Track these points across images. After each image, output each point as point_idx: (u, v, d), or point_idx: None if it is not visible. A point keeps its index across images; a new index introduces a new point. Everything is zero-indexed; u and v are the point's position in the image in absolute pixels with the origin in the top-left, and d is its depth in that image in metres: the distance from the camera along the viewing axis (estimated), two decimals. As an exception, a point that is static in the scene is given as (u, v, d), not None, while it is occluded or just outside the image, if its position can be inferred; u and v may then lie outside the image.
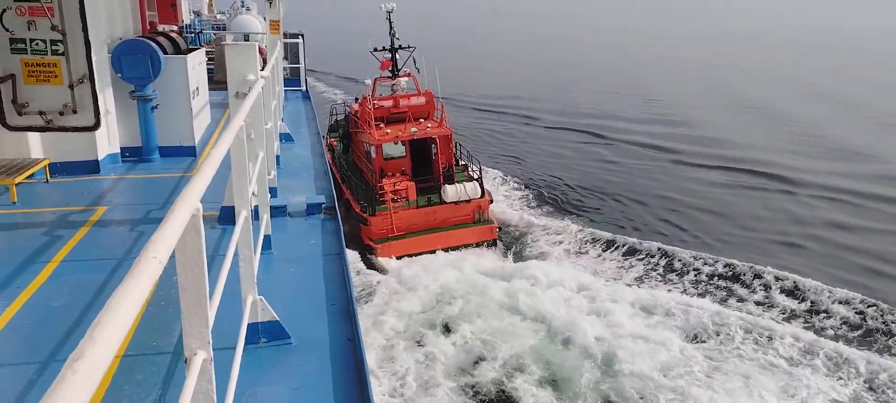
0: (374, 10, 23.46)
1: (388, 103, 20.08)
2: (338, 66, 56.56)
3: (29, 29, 8.22)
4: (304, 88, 19.63)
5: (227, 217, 7.12)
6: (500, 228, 18.90)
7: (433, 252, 17.46)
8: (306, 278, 6.02)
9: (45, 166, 8.95)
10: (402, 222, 17.57)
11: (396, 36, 21.23)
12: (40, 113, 8.48)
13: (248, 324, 4.62)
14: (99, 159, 9.54)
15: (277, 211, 7.60)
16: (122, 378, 4.23)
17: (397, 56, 21.32)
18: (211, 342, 2.51)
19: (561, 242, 18.63)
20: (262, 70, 7.82)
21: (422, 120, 19.76)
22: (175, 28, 13.18)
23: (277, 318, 4.66)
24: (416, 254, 17.32)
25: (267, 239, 6.46)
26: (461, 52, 74.76)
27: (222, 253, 5.22)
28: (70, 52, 8.34)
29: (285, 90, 17.97)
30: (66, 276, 5.90)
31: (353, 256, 17.23)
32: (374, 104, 19.74)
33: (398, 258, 17.18)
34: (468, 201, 17.96)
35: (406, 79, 21.20)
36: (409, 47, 21.46)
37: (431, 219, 17.87)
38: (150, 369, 4.36)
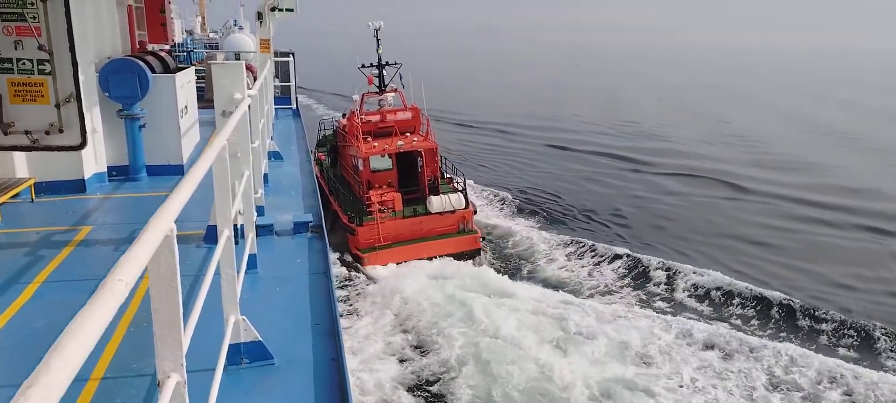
0: (361, 28, 24.04)
1: (376, 118, 20.65)
2: (327, 84, 57.25)
3: (16, 48, 8.18)
4: (294, 106, 19.68)
5: (212, 236, 7.07)
6: (483, 238, 19.36)
7: (419, 259, 17.89)
8: (291, 297, 5.98)
9: (30, 186, 8.90)
10: (389, 232, 18.01)
11: (381, 52, 21.80)
12: (26, 132, 8.41)
13: (231, 345, 4.58)
14: (85, 178, 9.49)
15: (264, 230, 7.56)
16: (99, 401, 4.17)
17: (384, 72, 21.88)
18: (184, 364, 2.48)
19: (547, 255, 19.08)
20: (251, 88, 7.84)
21: (408, 134, 20.32)
22: (165, 47, 13.18)
23: (260, 339, 4.61)
24: (401, 263, 17.71)
25: (252, 257, 6.42)
26: (451, 69, 75.69)
27: (205, 273, 5.20)
28: (57, 71, 8.31)
29: (276, 108, 18.02)
30: (49, 296, 5.84)
31: (341, 271, 17.46)
32: (361, 118, 20.26)
33: (385, 266, 17.58)
34: (453, 212, 18.47)
35: (393, 94, 21.74)
36: (395, 64, 22.06)
37: (417, 230, 18.33)
38: (128, 392, 4.30)
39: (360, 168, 19.42)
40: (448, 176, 20.74)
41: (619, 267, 18.13)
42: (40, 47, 8.12)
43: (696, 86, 66.08)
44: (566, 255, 19.03)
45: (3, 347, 4.93)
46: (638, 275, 17.63)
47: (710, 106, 51.40)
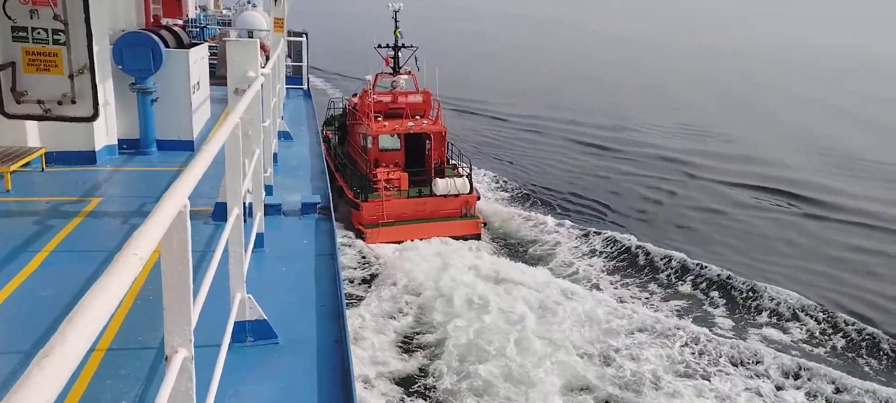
0: (379, 9, 24.21)
1: (387, 99, 21.01)
2: (339, 65, 57.42)
3: (31, 17, 8.20)
4: (305, 86, 19.67)
5: (220, 213, 7.10)
6: (485, 224, 19.67)
7: (420, 240, 18.16)
8: (297, 278, 6.01)
9: (41, 155, 8.94)
10: (393, 210, 18.35)
11: (400, 34, 22.03)
12: (39, 102, 8.45)
13: (236, 323, 4.61)
14: (96, 150, 9.52)
15: (272, 210, 7.58)
16: (104, 371, 4.21)
17: (399, 54, 22.09)
18: (193, 340, 2.50)
19: (549, 243, 19.27)
20: (263, 67, 7.83)
21: (418, 117, 20.57)
22: (179, 22, 13.17)
23: (265, 317, 4.64)
24: (403, 242, 18.00)
25: (260, 236, 6.43)
26: (467, 56, 75.53)
27: (213, 250, 5.22)
28: (71, 41, 8.33)
29: (287, 88, 18.01)
30: (56, 266, 5.89)
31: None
32: (373, 98, 20.54)
33: (386, 243, 17.84)
34: (457, 195, 18.80)
35: (405, 77, 22.02)
36: (411, 46, 22.18)
37: (420, 210, 18.68)
38: (133, 364, 4.34)
39: (369, 146, 19.82)
40: (453, 162, 20.99)
41: (617, 256, 18.32)
42: (55, 17, 8.14)
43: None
44: (568, 243, 19.18)
45: (11, 314, 4.98)
46: (649, 268, 17.77)
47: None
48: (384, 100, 20.80)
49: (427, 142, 20.08)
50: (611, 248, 18.71)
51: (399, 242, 17.94)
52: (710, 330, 14.18)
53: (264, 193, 7.82)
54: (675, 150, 32.99)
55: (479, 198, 19.74)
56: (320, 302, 5.46)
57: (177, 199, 2.25)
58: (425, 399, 11.58)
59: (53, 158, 9.24)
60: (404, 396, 11.64)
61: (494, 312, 14.16)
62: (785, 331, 14.78)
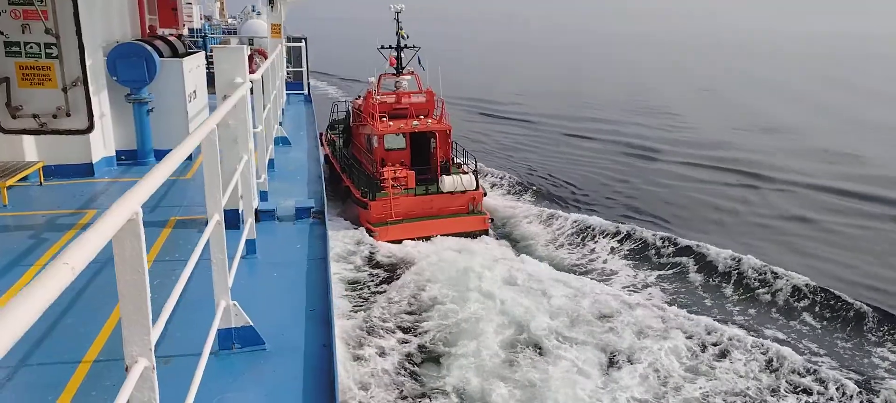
0: (382, 14, 24.44)
1: (391, 99, 21.22)
2: (339, 69, 58.06)
3: (23, 32, 8.26)
4: (306, 91, 19.70)
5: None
6: (492, 220, 19.97)
7: (428, 238, 18.53)
8: (288, 283, 5.97)
9: (39, 169, 8.99)
10: (401, 208, 18.60)
11: (404, 35, 22.27)
12: (34, 116, 8.51)
13: (223, 330, 4.59)
14: (93, 162, 9.56)
15: (266, 215, 7.57)
16: (90, 383, 4.19)
17: (402, 54, 22.37)
18: (153, 349, 2.46)
19: (550, 238, 19.56)
20: (253, 73, 7.82)
21: (422, 116, 20.82)
22: (175, 31, 13.20)
23: (251, 323, 4.60)
24: (412, 239, 18.35)
25: (252, 243, 6.42)
26: (475, 57, 75.99)
27: (206, 258, 5.23)
28: (64, 54, 8.38)
29: (288, 93, 18.04)
30: None
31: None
32: (378, 99, 20.82)
33: (395, 242, 18.17)
34: (463, 192, 19.07)
35: (408, 77, 22.25)
36: (414, 47, 22.45)
37: (428, 207, 18.95)
38: (119, 375, 4.31)
39: (375, 145, 20.10)
40: (458, 161, 21.23)
41: (623, 248, 18.51)
42: (47, 31, 8.18)
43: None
44: (568, 237, 19.42)
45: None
46: (643, 254, 18.04)
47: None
48: (388, 101, 21.09)
49: (432, 140, 20.37)
50: (618, 240, 18.86)
51: (409, 239, 18.28)
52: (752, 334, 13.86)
53: (258, 199, 7.83)
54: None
55: (485, 194, 19.98)
56: (310, 307, 5.42)
57: (125, 208, 2.22)
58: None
59: (51, 172, 9.28)
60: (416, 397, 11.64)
61: (507, 304, 14.27)
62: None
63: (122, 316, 2.36)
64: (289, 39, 19.94)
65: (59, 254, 1.74)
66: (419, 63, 22.67)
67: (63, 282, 1.65)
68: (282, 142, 11.99)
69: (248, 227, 6.17)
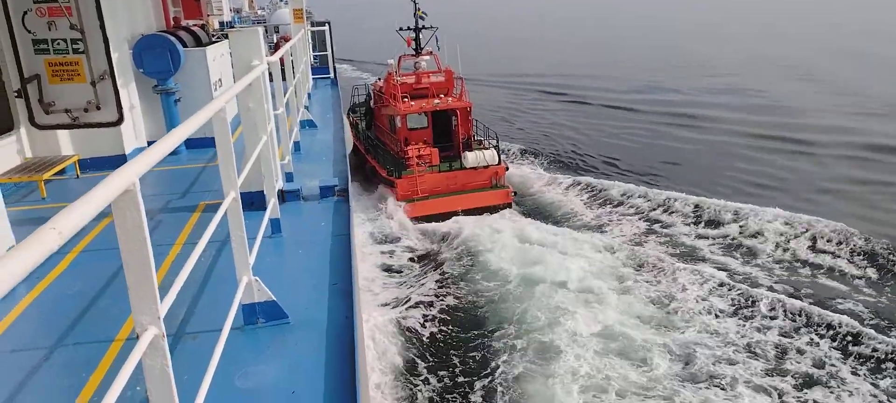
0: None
1: (411, 79, 21.66)
2: (363, 53, 58.77)
3: (50, 29, 8.47)
4: (332, 75, 19.81)
5: (248, 201, 7.19)
6: (515, 193, 20.24)
7: (455, 213, 18.96)
8: (312, 259, 6.04)
9: (75, 162, 9.27)
10: (426, 184, 19.15)
11: (423, 14, 22.40)
12: (66, 111, 8.76)
13: (247, 305, 4.68)
14: (126, 153, 9.81)
15: (291, 195, 7.66)
16: (121, 361, 4.33)
17: (420, 35, 22.71)
18: (162, 317, 2.51)
19: (574, 208, 20.01)
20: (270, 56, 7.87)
21: (442, 95, 21.22)
22: (200, 22, 13.39)
23: (274, 298, 4.68)
24: (438, 215, 18.88)
25: (277, 222, 6.51)
26: (500, 33, 75.23)
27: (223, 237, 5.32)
28: (90, 49, 8.57)
29: (315, 78, 18.17)
30: (85, 264, 6.09)
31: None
32: (398, 79, 21.21)
33: (421, 218, 18.69)
34: (486, 167, 19.46)
35: (427, 58, 22.53)
36: (432, 27, 22.78)
37: (452, 183, 19.42)
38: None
39: (398, 125, 20.61)
40: (479, 138, 21.47)
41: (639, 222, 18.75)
42: (72, 27, 8.38)
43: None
44: (591, 206, 19.85)
45: (39, 311, 5.18)
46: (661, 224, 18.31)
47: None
48: (408, 81, 21.47)
49: (453, 118, 20.70)
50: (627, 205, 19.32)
51: (435, 215, 18.78)
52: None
53: (284, 180, 7.92)
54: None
55: (507, 169, 20.29)
56: (333, 281, 5.48)
57: (120, 180, 2.26)
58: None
59: (87, 165, 9.56)
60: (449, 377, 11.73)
61: (541, 281, 14.29)
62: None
63: (129, 286, 2.41)
64: (312, 24, 20.08)
65: (51, 219, 1.78)
66: (436, 43, 22.94)
67: (48, 246, 1.68)
68: (308, 124, 12.10)
69: (271, 207, 6.25)
